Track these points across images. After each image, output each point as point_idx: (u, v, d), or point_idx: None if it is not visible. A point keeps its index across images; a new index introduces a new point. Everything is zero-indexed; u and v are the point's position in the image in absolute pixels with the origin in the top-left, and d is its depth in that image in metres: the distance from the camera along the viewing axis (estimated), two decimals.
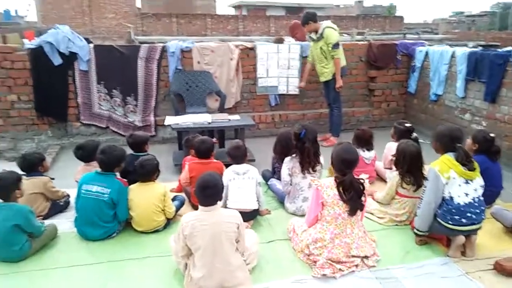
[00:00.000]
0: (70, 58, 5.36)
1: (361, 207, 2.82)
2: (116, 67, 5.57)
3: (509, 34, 23.45)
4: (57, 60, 5.26)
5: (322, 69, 5.63)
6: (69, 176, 4.17)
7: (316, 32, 5.52)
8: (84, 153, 3.83)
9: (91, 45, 5.48)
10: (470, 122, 5.37)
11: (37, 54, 5.20)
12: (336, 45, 5.41)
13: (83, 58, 5.37)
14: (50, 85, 5.35)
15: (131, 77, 5.66)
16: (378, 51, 6.50)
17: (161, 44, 5.83)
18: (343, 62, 5.58)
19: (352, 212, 2.77)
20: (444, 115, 5.89)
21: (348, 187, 2.76)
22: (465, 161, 2.87)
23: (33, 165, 3.61)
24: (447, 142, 3.00)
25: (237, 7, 37.28)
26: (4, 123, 5.40)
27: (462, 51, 5.47)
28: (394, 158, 3.50)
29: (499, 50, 5.21)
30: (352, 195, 2.74)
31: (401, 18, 31.07)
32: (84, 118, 5.69)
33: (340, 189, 2.78)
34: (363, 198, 2.82)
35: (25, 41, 6.78)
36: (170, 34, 23.37)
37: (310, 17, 5.56)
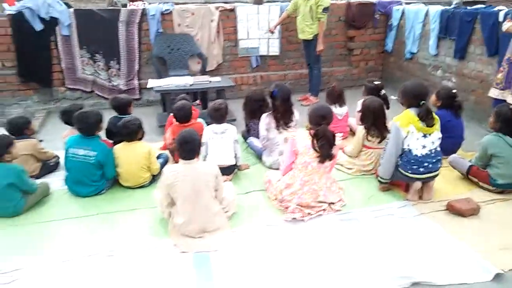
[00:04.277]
0: (52, 23, 5.39)
1: (330, 156, 3.09)
2: (98, 31, 5.62)
3: None
4: (38, 26, 5.30)
5: (305, 27, 5.68)
6: (57, 139, 4.35)
7: None
8: (69, 118, 3.91)
9: (71, 10, 5.50)
10: (442, 78, 5.61)
11: (18, 20, 5.23)
12: (326, 9, 5.48)
13: (64, 23, 5.41)
14: (32, 51, 5.41)
15: (113, 41, 5.73)
16: (356, 10, 6.58)
17: (141, 7, 5.86)
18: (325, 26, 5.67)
19: (322, 160, 3.06)
20: (418, 72, 6.11)
21: (321, 136, 3.04)
22: (425, 117, 3.09)
23: (19, 128, 3.74)
24: (411, 99, 3.19)
25: None
26: None
27: (435, 10, 5.61)
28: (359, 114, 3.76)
29: (482, 6, 5.33)
30: (324, 144, 3.03)
31: None
32: (69, 82, 5.79)
33: (314, 139, 3.05)
34: (333, 150, 3.10)
35: (5, 5, 6.74)
36: None
37: None
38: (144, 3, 5.97)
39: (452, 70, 5.43)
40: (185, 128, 3.23)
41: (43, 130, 5.15)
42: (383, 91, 4.22)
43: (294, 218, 3.00)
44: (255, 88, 6.31)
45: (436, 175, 3.24)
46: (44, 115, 5.60)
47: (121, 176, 3.56)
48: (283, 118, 3.71)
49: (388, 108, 4.01)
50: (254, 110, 4.06)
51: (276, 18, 6.27)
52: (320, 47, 5.66)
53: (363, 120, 3.70)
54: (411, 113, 3.15)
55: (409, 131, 3.10)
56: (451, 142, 3.85)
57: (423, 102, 3.12)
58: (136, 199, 3.42)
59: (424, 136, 3.12)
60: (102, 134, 3.71)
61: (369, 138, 3.63)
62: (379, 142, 3.60)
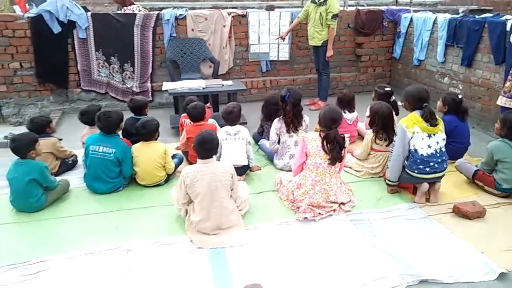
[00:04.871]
0: (69, 26, 5.55)
1: (340, 158, 3.21)
2: (113, 34, 5.77)
3: None
4: (56, 28, 5.47)
5: (315, 34, 5.81)
6: (72, 138, 4.52)
7: None
8: (88, 118, 4.09)
9: (89, 14, 5.67)
10: (449, 85, 5.71)
11: (37, 23, 5.39)
12: (335, 16, 5.59)
13: (82, 26, 5.57)
14: (50, 53, 5.57)
15: (128, 45, 5.88)
16: (365, 17, 6.71)
17: (156, 12, 6.02)
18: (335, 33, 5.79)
19: (332, 162, 3.19)
20: (426, 79, 6.22)
21: (332, 140, 3.16)
22: (429, 118, 3.23)
23: (41, 127, 3.89)
24: (414, 102, 3.35)
25: None
26: (8, 89, 5.64)
27: (443, 18, 5.72)
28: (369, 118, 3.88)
29: (489, 15, 5.44)
30: (334, 147, 3.15)
31: None
32: (84, 84, 5.95)
33: (324, 141, 3.17)
34: (343, 152, 3.22)
35: (16, 8, 6.92)
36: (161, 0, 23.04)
37: None
38: (138, 7, 6.13)
39: (459, 77, 5.53)
40: (201, 128, 3.36)
41: (58, 130, 5.27)
42: (393, 97, 4.33)
43: (305, 218, 3.12)
44: (266, 92, 6.45)
45: (442, 176, 3.34)
46: (59, 115, 5.76)
47: (138, 174, 3.70)
48: (293, 122, 3.82)
49: (397, 114, 4.13)
50: (271, 112, 4.19)
51: (287, 24, 6.41)
52: (329, 53, 5.79)
53: (372, 123, 3.82)
54: (415, 114, 3.29)
55: (414, 132, 3.22)
56: (458, 147, 3.96)
57: (425, 104, 3.26)
58: (153, 197, 3.55)
59: (429, 136, 3.24)
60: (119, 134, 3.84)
61: (377, 141, 3.75)
62: (387, 145, 3.72)
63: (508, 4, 19.63)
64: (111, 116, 3.59)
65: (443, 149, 3.31)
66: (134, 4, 6.14)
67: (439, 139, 3.27)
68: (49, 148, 3.86)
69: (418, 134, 3.22)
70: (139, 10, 5.98)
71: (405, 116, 3.37)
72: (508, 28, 4.55)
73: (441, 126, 3.29)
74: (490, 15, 5.54)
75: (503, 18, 4.85)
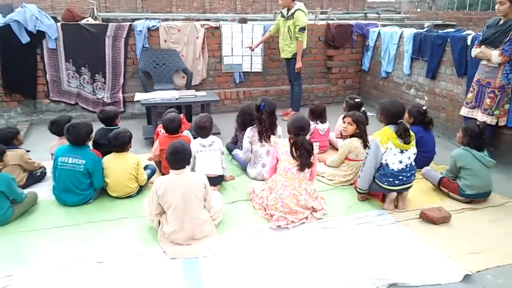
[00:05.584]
0: (38, 37, 5.46)
1: (309, 164, 3.28)
2: (84, 45, 5.72)
3: (466, 14, 24.49)
4: (25, 39, 5.37)
5: (285, 46, 5.96)
6: (41, 150, 4.42)
7: (289, 9, 5.80)
8: (58, 128, 4.00)
9: (59, 24, 5.59)
10: (415, 97, 5.94)
11: (5, 32, 5.28)
12: (302, 29, 5.73)
13: (51, 36, 5.49)
14: (18, 63, 5.46)
15: (99, 55, 5.84)
16: (335, 31, 6.91)
17: (128, 23, 6.01)
18: (304, 45, 5.93)
19: (301, 168, 3.25)
20: (393, 90, 6.45)
21: (300, 146, 3.23)
22: (403, 135, 3.30)
23: (8, 138, 3.80)
24: (390, 117, 3.40)
25: None
26: None
27: (409, 32, 5.97)
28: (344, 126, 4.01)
29: (451, 30, 5.71)
30: (302, 153, 3.23)
31: None
32: (53, 95, 5.84)
33: (293, 148, 3.24)
34: (312, 158, 3.29)
35: None
36: (134, 10, 22.92)
37: None
38: (88, 20, 6.18)
39: (424, 89, 5.76)
40: (174, 139, 3.35)
41: (26, 141, 5.13)
42: (363, 108, 4.47)
43: (279, 226, 3.15)
44: (240, 103, 6.52)
45: (410, 187, 3.47)
46: (27, 126, 5.61)
47: (109, 186, 3.64)
48: (267, 131, 3.88)
49: (367, 123, 4.26)
50: (245, 122, 4.23)
51: (259, 36, 6.52)
52: (298, 64, 5.92)
53: (355, 132, 3.95)
54: (390, 130, 3.34)
55: (388, 147, 3.31)
56: (424, 156, 4.12)
57: (400, 121, 3.35)
58: (124, 208, 3.50)
59: (401, 152, 3.33)
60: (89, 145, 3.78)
61: (363, 150, 3.86)
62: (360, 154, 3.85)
63: (471, 20, 20.60)
64: (81, 128, 3.53)
65: (413, 163, 3.42)
66: (85, 18, 6.17)
67: (410, 154, 3.37)
68: (17, 160, 3.76)
69: (391, 150, 3.31)
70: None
71: (375, 127, 3.45)
72: (469, 43, 4.80)
73: (413, 141, 3.38)
74: (453, 30, 5.81)
75: (465, 33, 5.11)
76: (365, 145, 3.89)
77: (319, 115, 4.66)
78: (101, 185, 3.63)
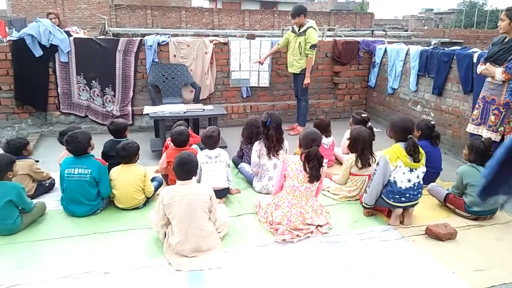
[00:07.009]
0: (51, 50, 5.59)
1: (318, 177, 3.30)
2: (95, 59, 5.84)
3: (473, 32, 24.62)
4: (38, 52, 5.49)
5: (294, 62, 6.04)
6: (50, 161, 4.48)
7: (301, 26, 5.90)
8: None
9: (71, 38, 5.73)
10: (421, 113, 5.95)
11: (19, 46, 5.41)
12: (314, 46, 5.83)
13: (64, 50, 5.62)
14: (31, 76, 5.57)
15: (110, 69, 5.95)
16: (342, 48, 6.99)
17: (139, 38, 6.14)
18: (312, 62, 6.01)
19: (311, 180, 3.27)
20: (399, 106, 6.47)
21: (312, 158, 3.25)
22: (412, 152, 3.30)
23: (18, 149, 3.86)
24: (400, 133, 3.41)
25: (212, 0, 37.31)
26: None
27: (415, 49, 6.02)
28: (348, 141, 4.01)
29: (458, 48, 5.75)
30: (314, 164, 3.24)
31: (372, 14, 32.08)
32: (64, 107, 5.94)
33: (306, 159, 3.26)
34: (321, 170, 3.31)
35: None
36: (144, 26, 23.37)
37: (302, 11, 5.87)
38: (78, 33, 6.42)
39: (430, 105, 5.78)
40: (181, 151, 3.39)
41: (36, 152, 5.23)
42: (369, 123, 4.50)
43: (284, 240, 3.16)
44: (246, 117, 6.56)
45: (416, 204, 3.47)
46: (37, 138, 5.71)
47: (116, 197, 3.68)
48: (275, 145, 3.92)
49: (374, 139, 4.27)
50: (251, 135, 4.28)
51: (267, 52, 6.58)
52: (307, 80, 5.99)
53: (352, 148, 3.94)
54: (400, 147, 3.33)
55: (397, 165, 3.31)
56: (430, 172, 4.10)
57: (410, 136, 3.35)
58: (131, 219, 3.53)
59: (411, 170, 3.33)
60: (96, 154, 3.81)
61: (359, 165, 3.86)
62: (361, 168, 3.85)
63: (478, 38, 20.68)
64: (78, 136, 3.55)
65: (421, 182, 3.42)
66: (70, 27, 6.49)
67: (419, 173, 3.37)
68: (26, 170, 3.82)
69: (400, 168, 3.31)
70: (77, 33, 6.41)
71: (381, 143, 3.47)
72: (475, 60, 4.83)
73: (423, 160, 3.38)
74: (459, 47, 5.86)
75: (471, 50, 5.14)
76: (365, 162, 3.87)
77: (323, 129, 4.68)
78: (108, 193, 3.66)
